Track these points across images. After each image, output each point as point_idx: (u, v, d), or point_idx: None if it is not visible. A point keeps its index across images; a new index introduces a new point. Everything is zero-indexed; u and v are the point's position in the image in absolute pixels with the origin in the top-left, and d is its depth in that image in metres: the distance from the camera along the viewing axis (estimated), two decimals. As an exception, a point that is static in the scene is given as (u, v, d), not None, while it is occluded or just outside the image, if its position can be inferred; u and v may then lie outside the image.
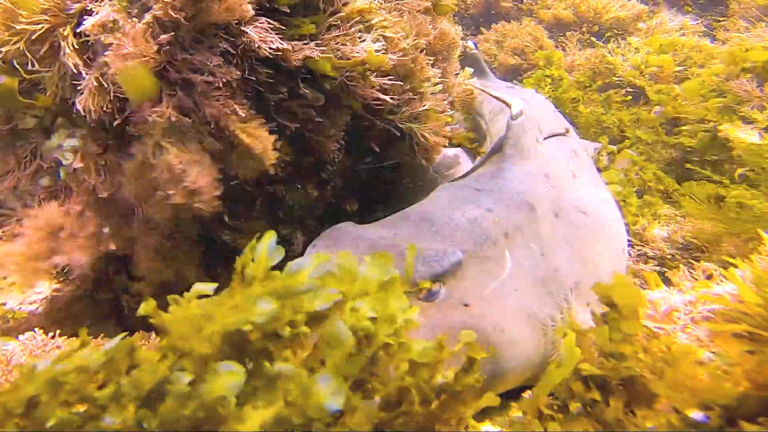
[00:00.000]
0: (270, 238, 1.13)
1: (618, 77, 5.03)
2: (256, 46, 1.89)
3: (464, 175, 2.65)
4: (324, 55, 2.01)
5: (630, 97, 4.79)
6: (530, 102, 3.11)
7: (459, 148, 3.58)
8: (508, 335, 1.77)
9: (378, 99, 2.16)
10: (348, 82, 2.10)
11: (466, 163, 3.39)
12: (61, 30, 1.86)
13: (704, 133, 3.78)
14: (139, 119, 1.87)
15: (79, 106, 1.86)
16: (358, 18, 2.12)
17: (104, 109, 1.85)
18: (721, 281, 1.71)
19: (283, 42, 1.95)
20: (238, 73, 1.88)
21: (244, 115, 1.90)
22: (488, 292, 1.83)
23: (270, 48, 1.90)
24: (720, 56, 4.44)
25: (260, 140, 1.92)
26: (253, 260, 1.09)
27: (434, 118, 2.53)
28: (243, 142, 1.90)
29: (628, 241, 3.10)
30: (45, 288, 2.39)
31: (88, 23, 1.81)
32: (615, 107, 4.72)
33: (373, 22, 2.17)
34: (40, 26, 1.84)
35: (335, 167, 2.58)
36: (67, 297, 2.34)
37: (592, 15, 6.29)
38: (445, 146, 2.68)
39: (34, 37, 1.85)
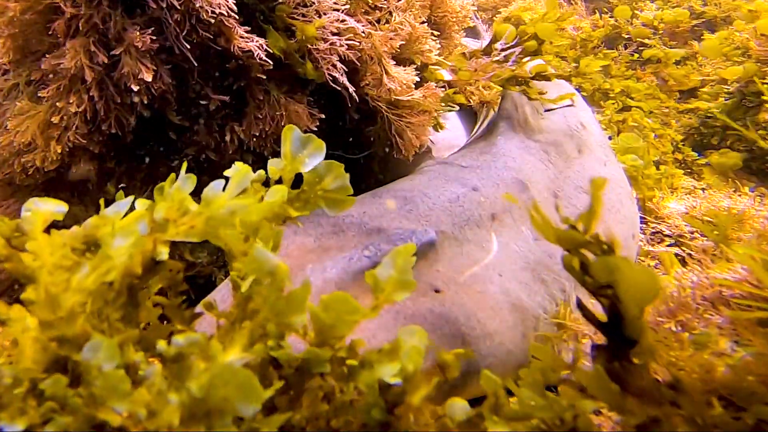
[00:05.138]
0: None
1: (626, 35, 4.56)
2: (198, 5, 1.66)
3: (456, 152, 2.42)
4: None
5: (636, 56, 4.36)
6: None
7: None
8: (485, 326, 1.53)
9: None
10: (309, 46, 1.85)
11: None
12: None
13: (727, 95, 3.42)
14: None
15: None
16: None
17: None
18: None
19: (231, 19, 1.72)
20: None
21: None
22: (465, 278, 1.61)
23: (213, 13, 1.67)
24: (741, 9, 4.01)
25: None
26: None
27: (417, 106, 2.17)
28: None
29: (642, 218, 2.83)
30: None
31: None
32: (619, 73, 4.28)
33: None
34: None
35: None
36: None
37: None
38: (418, 147, 2.25)
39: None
